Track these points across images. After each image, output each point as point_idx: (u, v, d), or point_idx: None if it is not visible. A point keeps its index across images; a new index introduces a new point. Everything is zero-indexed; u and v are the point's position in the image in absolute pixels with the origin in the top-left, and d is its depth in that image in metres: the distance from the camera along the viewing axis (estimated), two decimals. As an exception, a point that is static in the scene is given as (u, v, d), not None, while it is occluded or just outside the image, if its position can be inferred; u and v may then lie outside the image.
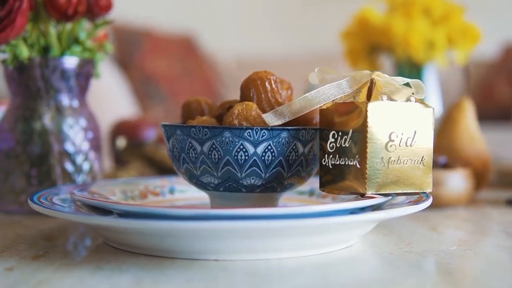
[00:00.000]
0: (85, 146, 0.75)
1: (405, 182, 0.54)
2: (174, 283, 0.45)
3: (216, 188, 0.58)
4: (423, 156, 0.55)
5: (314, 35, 3.03)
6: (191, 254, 0.51)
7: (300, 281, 0.46)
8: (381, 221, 0.66)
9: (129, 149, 0.95)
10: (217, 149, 0.56)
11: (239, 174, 0.56)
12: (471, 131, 0.88)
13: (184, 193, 0.69)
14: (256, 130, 0.55)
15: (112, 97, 2.38)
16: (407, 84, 0.58)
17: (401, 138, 0.54)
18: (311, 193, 0.68)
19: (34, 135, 0.73)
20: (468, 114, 0.89)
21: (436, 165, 0.82)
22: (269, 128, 0.55)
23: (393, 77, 0.56)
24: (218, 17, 3.14)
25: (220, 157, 0.56)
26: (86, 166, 0.74)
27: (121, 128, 1.05)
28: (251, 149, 0.55)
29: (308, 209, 0.50)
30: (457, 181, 0.79)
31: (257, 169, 0.56)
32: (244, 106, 0.56)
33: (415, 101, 0.55)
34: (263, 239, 0.50)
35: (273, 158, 0.56)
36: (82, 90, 0.76)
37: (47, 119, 0.73)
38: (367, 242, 0.58)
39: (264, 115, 0.56)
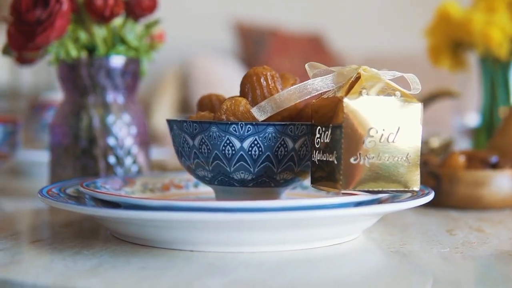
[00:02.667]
0: (129, 141, 0.79)
1: (386, 180, 0.53)
2: (128, 269, 0.47)
3: (211, 182, 0.60)
4: (408, 153, 0.53)
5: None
6: (169, 244, 0.53)
7: (246, 275, 0.46)
8: (385, 218, 0.65)
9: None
10: (206, 143, 0.57)
11: (228, 169, 0.57)
12: (535, 130, 0.83)
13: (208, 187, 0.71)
14: (241, 125, 0.56)
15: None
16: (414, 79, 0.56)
17: (382, 134, 0.52)
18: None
19: (80, 129, 0.77)
20: (533, 112, 0.84)
21: (486, 164, 0.79)
22: (254, 123, 0.56)
23: (381, 71, 0.55)
24: (347, 16, 3.12)
25: (209, 151, 0.57)
26: (128, 160, 0.78)
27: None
28: (237, 144, 0.56)
29: (276, 204, 0.50)
30: (504, 182, 0.75)
31: (245, 164, 0.57)
32: (233, 101, 0.57)
33: (400, 96, 0.53)
34: (234, 232, 0.51)
35: (260, 153, 0.56)
36: (129, 88, 0.80)
37: (93, 115, 0.78)
38: (366, 240, 0.57)
39: (252, 110, 0.56)
